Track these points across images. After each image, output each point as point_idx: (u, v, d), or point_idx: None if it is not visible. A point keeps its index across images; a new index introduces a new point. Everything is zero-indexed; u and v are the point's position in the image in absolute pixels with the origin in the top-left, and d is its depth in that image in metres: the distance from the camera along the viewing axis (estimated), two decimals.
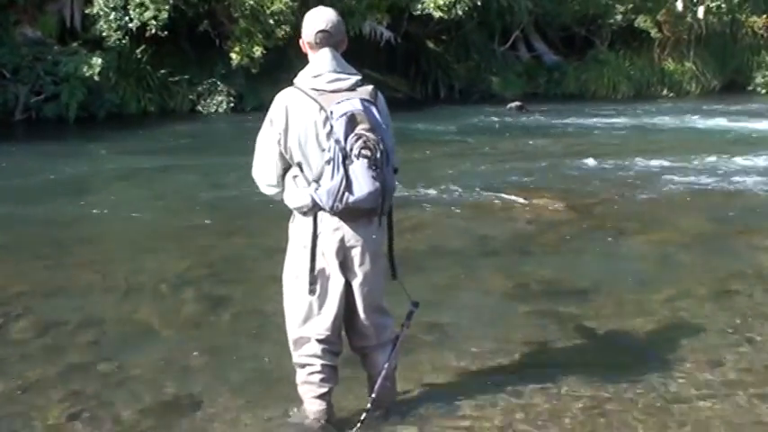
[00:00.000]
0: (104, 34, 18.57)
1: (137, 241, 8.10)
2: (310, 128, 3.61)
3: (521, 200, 9.28)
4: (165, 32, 18.17)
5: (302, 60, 3.84)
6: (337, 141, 3.54)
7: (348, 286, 3.80)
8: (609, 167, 12.12)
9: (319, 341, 3.82)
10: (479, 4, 22.13)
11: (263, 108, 15.46)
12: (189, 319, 5.73)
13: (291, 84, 3.76)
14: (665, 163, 12.22)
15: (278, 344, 4.25)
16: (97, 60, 17.64)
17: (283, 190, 3.78)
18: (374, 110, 3.68)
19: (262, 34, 18.64)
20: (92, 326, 5.55)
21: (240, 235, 8.37)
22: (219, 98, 19.87)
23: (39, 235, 8.14)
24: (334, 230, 3.69)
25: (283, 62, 20.79)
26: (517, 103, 21.23)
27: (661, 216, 9.24)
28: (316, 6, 4.01)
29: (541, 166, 12.33)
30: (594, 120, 19.27)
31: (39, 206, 9.37)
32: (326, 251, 3.71)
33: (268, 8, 18.24)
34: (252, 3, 18.29)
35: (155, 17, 17.83)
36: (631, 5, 26.09)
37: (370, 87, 3.77)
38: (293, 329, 3.88)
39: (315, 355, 3.83)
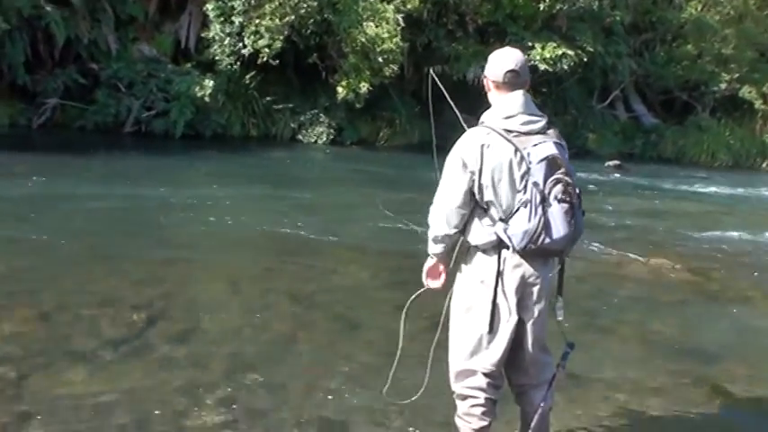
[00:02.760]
0: (217, 58, 19.18)
1: (261, 260, 8.22)
2: (505, 168, 3.59)
3: (640, 258, 9.16)
4: (276, 61, 18.59)
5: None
6: (536, 184, 3.53)
7: (520, 323, 3.78)
8: (717, 234, 11.90)
9: (485, 374, 3.79)
10: (585, 60, 22.14)
11: (360, 142, 15.90)
12: (324, 337, 5.76)
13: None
14: None
15: (411, 369, 4.20)
16: (209, 82, 18.22)
17: (461, 231, 3.77)
18: (565, 153, 3.68)
19: (369, 71, 18.90)
20: (231, 337, 5.62)
21: (357, 265, 8.41)
22: (320, 129, 20.20)
23: (162, 246, 8.33)
24: (516, 268, 3.67)
25: (384, 100, 21.14)
26: (616, 162, 21.03)
27: None
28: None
29: (652, 226, 12.18)
30: (696, 186, 18.97)
31: (160, 217, 9.59)
32: (507, 288, 3.69)
33: (379, 46, 18.51)
34: (363, 40, 18.59)
35: (268, 46, 18.27)
36: (737, 75, 25.74)
37: (557, 130, 3.77)
38: (459, 361, 3.85)
39: (479, 388, 3.79)
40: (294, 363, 5.23)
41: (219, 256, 8.26)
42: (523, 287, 3.71)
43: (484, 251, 3.70)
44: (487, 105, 3.78)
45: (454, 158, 3.69)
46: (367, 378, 5.00)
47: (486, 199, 3.64)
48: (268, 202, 11.52)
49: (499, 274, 3.67)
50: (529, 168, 3.55)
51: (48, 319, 5.68)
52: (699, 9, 26.13)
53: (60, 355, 5.02)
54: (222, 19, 18.97)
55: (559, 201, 3.54)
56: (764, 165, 25.88)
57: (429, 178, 4.09)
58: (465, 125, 4.12)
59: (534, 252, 3.60)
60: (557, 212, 3.53)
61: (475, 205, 3.70)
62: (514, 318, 3.74)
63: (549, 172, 3.55)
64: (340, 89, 19.10)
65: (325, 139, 20.12)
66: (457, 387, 3.87)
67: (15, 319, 5.58)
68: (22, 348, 5.05)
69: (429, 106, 4.31)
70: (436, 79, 4.18)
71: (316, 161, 18.24)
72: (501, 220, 3.63)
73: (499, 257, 3.66)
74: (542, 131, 3.69)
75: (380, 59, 19.06)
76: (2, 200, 9.92)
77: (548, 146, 3.60)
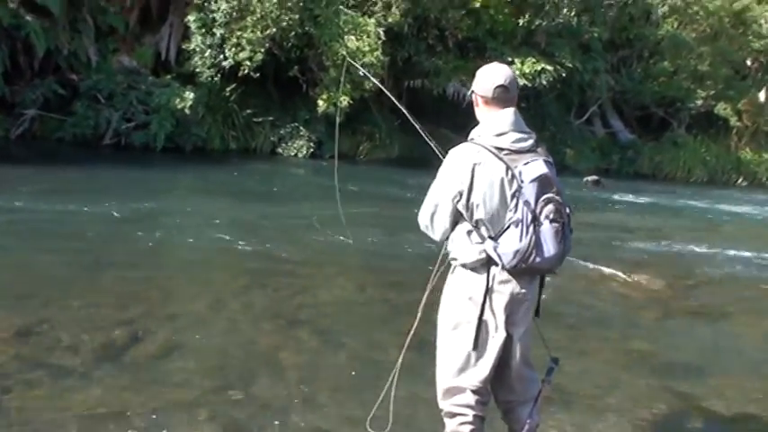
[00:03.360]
0: (198, 70, 19.12)
1: (241, 276, 8.19)
2: (496, 187, 3.60)
3: (620, 274, 9.22)
4: (257, 74, 18.57)
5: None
6: (527, 203, 3.54)
7: (508, 339, 3.79)
8: (696, 250, 12.02)
9: (473, 392, 3.79)
10: (564, 76, 22.32)
11: (340, 156, 15.67)
12: (308, 352, 5.75)
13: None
14: (749, 253, 12.08)
15: (399, 388, 4.21)
16: (189, 94, 18.16)
17: (448, 240, 3.80)
18: (554, 171, 3.70)
19: (350, 84, 18.92)
20: (215, 352, 5.59)
21: (338, 279, 8.40)
22: (300, 143, 20.18)
23: (143, 259, 8.27)
24: (504, 285, 3.68)
25: (364, 114, 21.17)
26: (594, 178, 20.86)
27: (762, 304, 9.13)
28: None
29: (631, 241, 12.30)
30: (674, 201, 19.20)
31: (140, 230, 9.53)
32: (496, 305, 3.70)
33: (359, 59, 18.53)
34: (344, 53, 18.63)
35: (249, 58, 18.25)
36: (713, 92, 26.06)
37: (545, 147, 3.79)
38: (447, 379, 3.85)
39: (467, 406, 3.79)
40: (278, 378, 5.22)
41: (200, 272, 8.23)
42: (512, 304, 3.72)
43: (473, 269, 3.71)
44: (468, 120, 3.80)
45: (444, 173, 3.70)
46: (351, 392, 5.00)
47: (476, 217, 3.64)
48: (247, 217, 11.47)
49: (488, 291, 3.68)
50: (520, 187, 3.57)
51: (28, 335, 5.62)
52: (675, 26, 26.47)
53: (42, 371, 4.97)
54: (203, 31, 18.93)
55: (551, 221, 3.56)
56: (739, 180, 26.24)
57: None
58: (430, 140, 4.16)
59: (523, 270, 3.62)
60: (547, 232, 3.56)
61: (463, 223, 3.71)
62: (502, 334, 3.75)
63: (541, 191, 3.57)
64: (320, 102, 19.11)
65: (305, 152, 20.09)
66: (445, 405, 3.86)
67: None
68: (1, 366, 4.99)
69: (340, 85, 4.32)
70: (356, 66, 4.20)
71: (295, 175, 18.23)
72: (490, 237, 3.63)
73: (488, 275, 3.67)
74: (532, 149, 3.71)
75: (360, 73, 19.05)
76: None
77: (538, 164, 3.62)
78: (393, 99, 4.65)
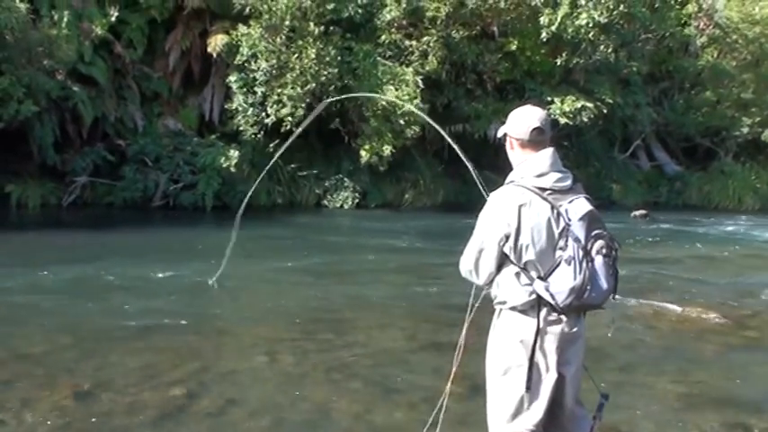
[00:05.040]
0: (241, 128, 19.50)
1: (293, 328, 8.25)
2: (543, 227, 3.59)
3: (674, 307, 9.08)
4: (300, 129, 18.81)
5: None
6: (577, 240, 3.54)
7: (560, 379, 3.75)
8: (751, 280, 11.79)
9: None
10: (605, 112, 22.28)
11: (385, 205, 15.89)
12: (362, 403, 5.75)
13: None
14: None
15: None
16: (234, 153, 18.49)
17: (490, 283, 3.79)
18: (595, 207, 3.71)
19: (391, 133, 19.12)
20: (270, 406, 5.62)
21: (389, 329, 8.40)
22: (345, 194, 20.36)
23: (197, 319, 8.38)
24: (555, 325, 3.65)
25: (407, 162, 21.32)
26: (642, 212, 20.99)
27: None
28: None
29: (683, 274, 12.08)
30: (725, 231, 18.86)
31: (192, 289, 9.67)
32: (547, 346, 3.67)
33: (399, 108, 18.73)
34: (384, 103, 18.85)
35: (291, 114, 18.59)
36: (758, 119, 25.74)
37: (581, 184, 3.80)
38: (500, 424, 3.81)
39: None
40: (332, 430, 5.21)
41: (251, 328, 8.29)
42: (563, 343, 3.68)
43: (522, 311, 3.68)
44: (510, 162, 3.82)
45: (488, 216, 3.69)
46: None
47: (525, 259, 3.62)
48: (295, 271, 11.56)
49: (538, 332, 3.65)
50: (568, 225, 3.57)
51: (88, 395, 5.71)
52: (715, 56, 26.33)
53: None
54: (245, 90, 19.36)
55: (603, 255, 3.56)
56: None
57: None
58: (481, 182, 4.19)
59: (575, 307, 3.60)
60: (600, 267, 3.56)
61: (509, 266, 3.70)
62: (554, 375, 3.71)
63: (590, 228, 3.57)
64: (363, 152, 19.32)
65: (350, 203, 20.26)
66: None
67: (56, 397, 5.61)
68: (61, 428, 5.07)
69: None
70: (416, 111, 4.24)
71: (340, 227, 18.33)
72: (539, 278, 3.62)
73: (538, 316, 3.65)
74: (572, 188, 3.72)
75: (402, 122, 19.29)
76: (37, 278, 10.05)
77: (582, 202, 3.63)
78: (447, 138, 4.67)
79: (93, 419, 5.24)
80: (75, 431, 5.04)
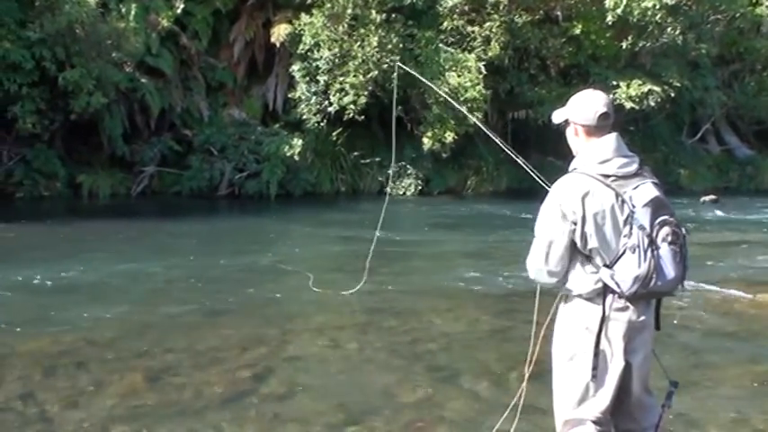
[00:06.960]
0: (304, 117, 19.67)
1: (356, 314, 8.32)
2: (608, 214, 3.52)
3: (745, 294, 8.88)
4: (362, 116, 18.94)
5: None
6: (642, 228, 3.45)
7: (627, 367, 3.71)
8: None
9: (594, 422, 3.70)
10: (672, 95, 21.83)
11: (448, 191, 15.80)
12: (426, 388, 5.77)
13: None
14: None
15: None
16: (298, 141, 18.67)
17: (563, 278, 3.74)
18: (662, 191, 3.61)
19: (454, 120, 19.05)
20: (334, 391, 5.68)
21: (452, 314, 8.40)
22: (408, 181, 20.40)
23: (262, 303, 8.50)
24: (622, 312, 3.60)
25: (469, 148, 21.23)
26: (712, 197, 20.52)
27: None
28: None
29: (755, 261, 11.80)
30: None
31: (258, 276, 9.80)
32: (613, 333, 3.62)
33: (462, 95, 18.65)
34: (446, 90, 18.79)
35: (353, 102, 18.67)
36: None
37: (649, 168, 3.71)
38: (566, 411, 3.79)
39: None
40: (396, 416, 5.24)
41: (316, 313, 8.38)
42: (630, 331, 3.62)
43: (588, 299, 3.64)
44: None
45: (552, 208, 3.62)
46: (471, 429, 4.97)
47: (589, 247, 3.56)
48: (357, 258, 11.60)
49: (604, 320, 3.60)
50: (632, 212, 3.48)
51: (157, 380, 5.85)
52: None
53: (171, 414, 5.16)
54: (308, 79, 19.51)
55: (669, 243, 3.47)
56: None
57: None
58: (533, 171, 4.14)
59: (642, 296, 3.54)
60: (666, 255, 3.46)
61: (576, 253, 3.65)
62: (621, 363, 3.65)
63: (655, 214, 3.47)
64: (426, 140, 19.32)
65: (413, 190, 20.28)
66: None
67: (126, 381, 5.77)
68: (133, 409, 5.21)
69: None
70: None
71: (405, 213, 18.34)
72: (605, 266, 3.56)
73: (604, 304, 3.60)
74: (638, 173, 3.63)
75: (464, 108, 19.18)
76: (112, 266, 10.32)
77: (648, 188, 3.53)
78: (492, 135, 4.65)
79: (162, 402, 5.36)
80: (147, 412, 5.16)
